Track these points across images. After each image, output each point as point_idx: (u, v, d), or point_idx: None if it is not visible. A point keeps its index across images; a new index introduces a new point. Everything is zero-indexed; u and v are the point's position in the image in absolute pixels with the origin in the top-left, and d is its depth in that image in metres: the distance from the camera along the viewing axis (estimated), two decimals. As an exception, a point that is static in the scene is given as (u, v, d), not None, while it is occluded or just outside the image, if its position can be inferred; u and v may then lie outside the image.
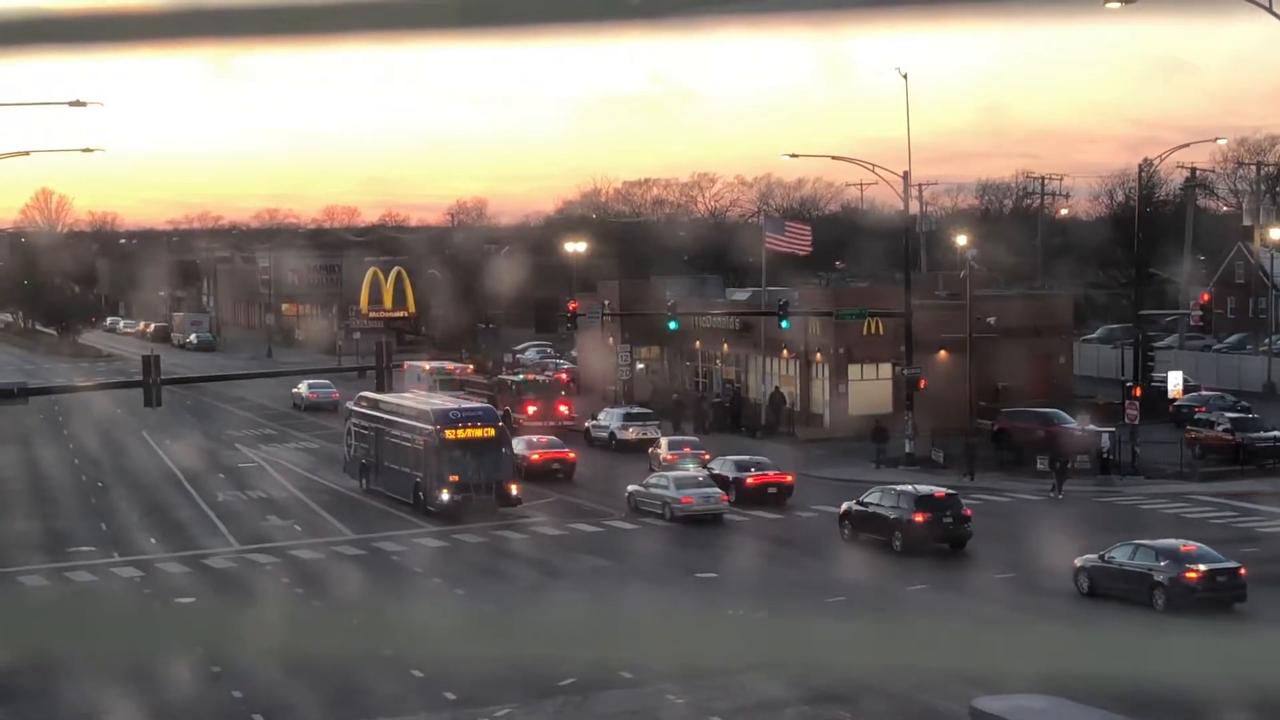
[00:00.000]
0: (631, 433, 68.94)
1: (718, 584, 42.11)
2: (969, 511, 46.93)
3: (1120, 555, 39.75)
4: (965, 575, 43.37)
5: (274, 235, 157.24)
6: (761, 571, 43.56)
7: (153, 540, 49.80)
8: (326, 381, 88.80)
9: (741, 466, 55.81)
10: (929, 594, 40.60)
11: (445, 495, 52.02)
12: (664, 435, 66.58)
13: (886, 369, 71.70)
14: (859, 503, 48.07)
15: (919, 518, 45.79)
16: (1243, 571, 38.57)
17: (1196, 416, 67.39)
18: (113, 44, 5.11)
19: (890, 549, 45.88)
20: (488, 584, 42.90)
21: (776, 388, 74.05)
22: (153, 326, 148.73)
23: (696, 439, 65.48)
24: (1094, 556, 40.32)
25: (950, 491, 47.99)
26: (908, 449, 63.47)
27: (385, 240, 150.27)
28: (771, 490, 54.73)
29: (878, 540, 46.51)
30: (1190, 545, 39.81)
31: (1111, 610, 38.06)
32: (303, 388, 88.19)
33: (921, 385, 64.82)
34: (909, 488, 48.69)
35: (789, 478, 55.51)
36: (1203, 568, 38.32)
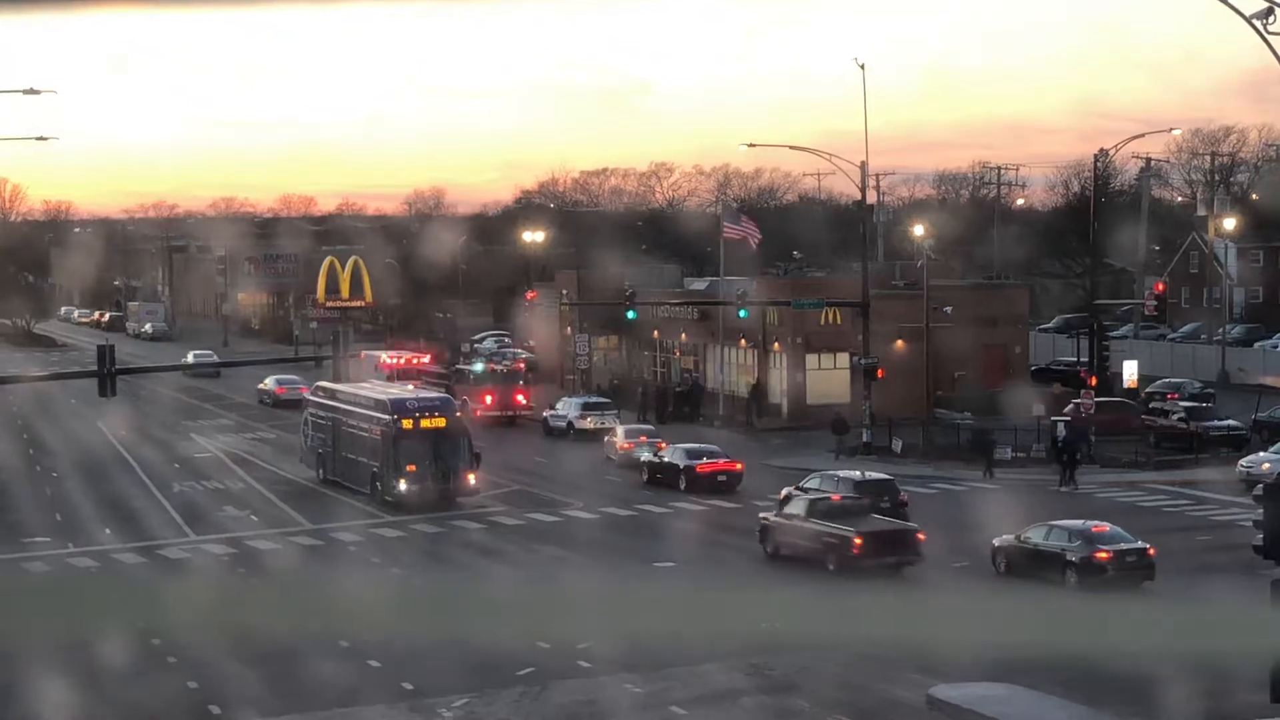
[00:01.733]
0: (589, 422, 68.88)
1: (675, 573, 42.06)
2: (905, 498, 47.51)
3: (1035, 536, 40.72)
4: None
5: (230, 224, 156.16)
6: (721, 560, 43.59)
7: (108, 531, 49.45)
8: (209, 350, 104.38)
9: (692, 454, 56.27)
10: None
11: (402, 485, 51.84)
12: (621, 424, 66.60)
13: (844, 358, 71.82)
14: (798, 488, 48.47)
15: None
16: (1151, 551, 39.74)
17: (1152, 406, 67.74)
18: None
19: None
20: (447, 573, 42.72)
21: (757, 380, 73.67)
22: (107, 316, 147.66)
23: (652, 427, 65.62)
24: (1010, 537, 41.28)
25: (887, 477, 48.69)
26: (865, 438, 63.63)
27: (342, 229, 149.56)
28: (721, 478, 55.20)
29: None
30: (1101, 526, 40.95)
31: (1023, 588, 38.59)
32: (190, 356, 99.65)
33: (879, 375, 64.96)
34: (849, 473, 49.24)
35: (738, 466, 56.04)
36: (1113, 548, 39.46)
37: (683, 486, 54.89)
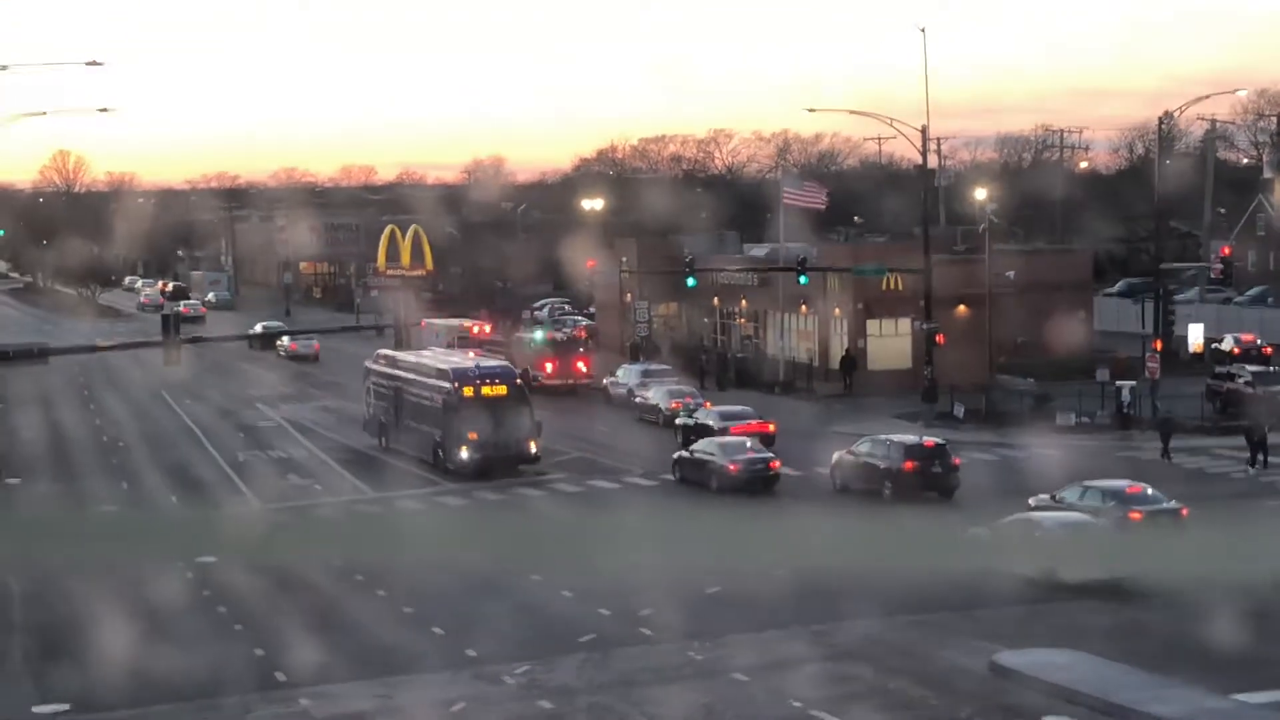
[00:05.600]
0: (651, 390, 68.80)
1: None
2: (958, 461, 47.63)
3: (1070, 496, 40.79)
4: (928, 518, 43.80)
5: (291, 194, 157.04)
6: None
7: (174, 499, 49.96)
8: (156, 291, 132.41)
9: (725, 417, 56.77)
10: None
11: (464, 453, 52.07)
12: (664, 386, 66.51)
13: (905, 324, 71.50)
14: (850, 452, 48.57)
15: (908, 466, 46.37)
16: (1184, 512, 39.50)
17: (1218, 369, 66.86)
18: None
19: (880, 498, 46.05)
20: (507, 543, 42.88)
21: (847, 350, 73.10)
22: (171, 286, 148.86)
23: (693, 389, 65.89)
24: (1046, 498, 41.39)
25: (939, 441, 48.75)
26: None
27: (402, 198, 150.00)
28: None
29: (868, 490, 46.78)
30: (1136, 487, 40.88)
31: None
32: (140, 297, 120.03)
33: (940, 341, 64.61)
34: (903, 436, 49.47)
35: (770, 427, 56.31)
36: (1145, 509, 39.44)
37: None
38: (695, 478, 49.71)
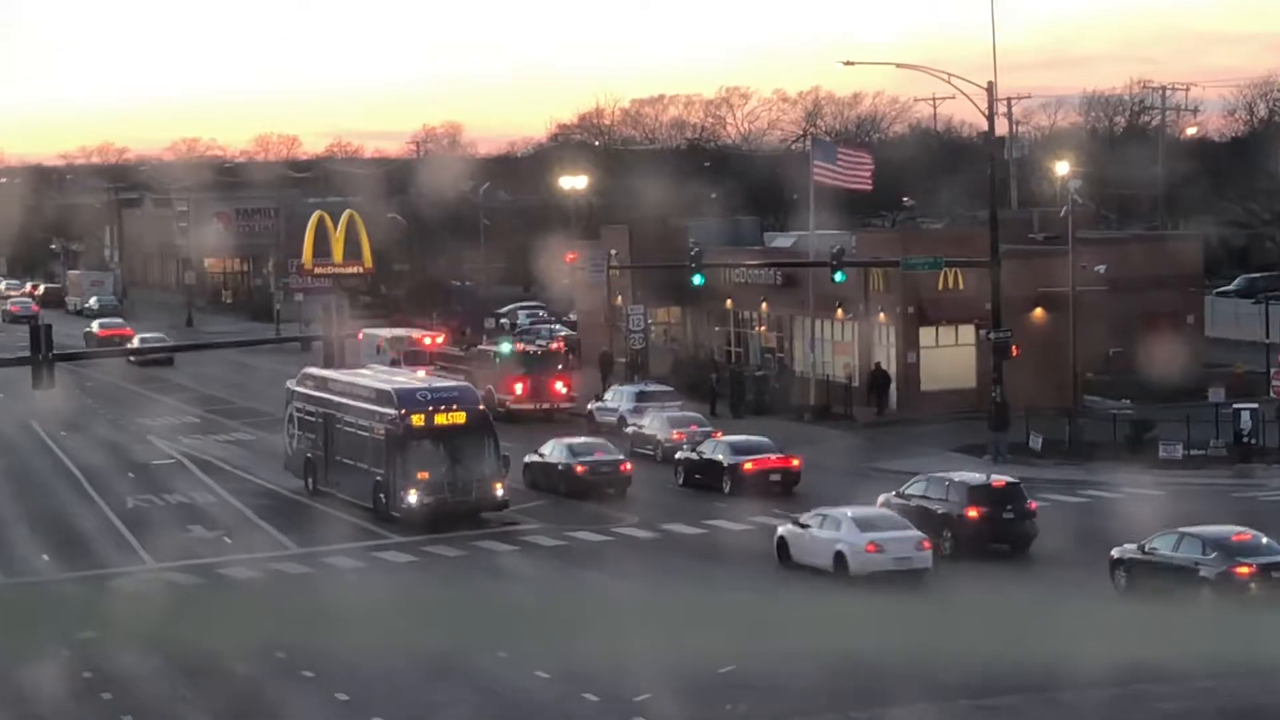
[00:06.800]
0: (647, 416, 68.87)
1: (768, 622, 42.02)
2: (1034, 505, 47.71)
3: (1163, 546, 41.04)
4: (1001, 572, 44.91)
5: (193, 171, 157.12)
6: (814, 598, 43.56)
7: (45, 558, 49.84)
8: (25, 295, 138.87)
9: (737, 449, 57.08)
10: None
11: (413, 497, 52.06)
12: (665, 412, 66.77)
13: (968, 332, 71.56)
14: (899, 495, 48.78)
15: (973, 512, 46.45)
16: None
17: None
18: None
19: (938, 551, 45.92)
20: (467, 609, 42.93)
21: (878, 364, 73.22)
22: (42, 288, 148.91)
23: (700, 416, 66.02)
24: (1133, 548, 41.70)
25: (1012, 480, 48.90)
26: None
27: (334, 176, 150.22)
28: (774, 478, 56.01)
29: None
30: (1244, 534, 41.01)
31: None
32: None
33: (1013, 353, 64.64)
34: (967, 475, 49.56)
35: (794, 462, 56.86)
36: (1257, 561, 39.53)
37: (727, 489, 55.70)
38: (545, 483, 57.83)
